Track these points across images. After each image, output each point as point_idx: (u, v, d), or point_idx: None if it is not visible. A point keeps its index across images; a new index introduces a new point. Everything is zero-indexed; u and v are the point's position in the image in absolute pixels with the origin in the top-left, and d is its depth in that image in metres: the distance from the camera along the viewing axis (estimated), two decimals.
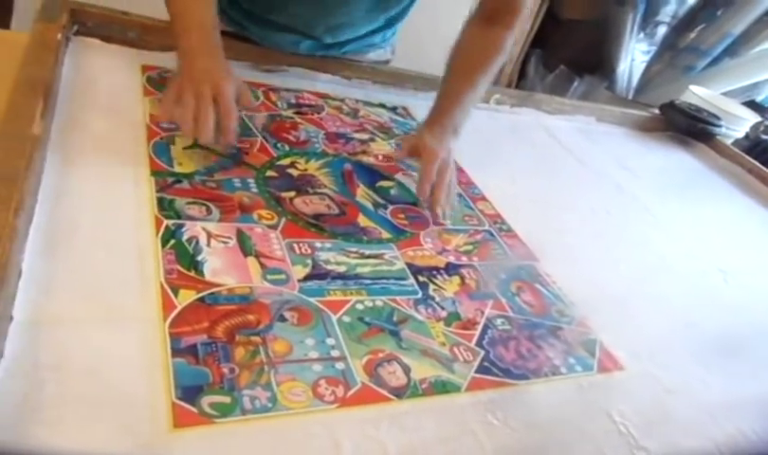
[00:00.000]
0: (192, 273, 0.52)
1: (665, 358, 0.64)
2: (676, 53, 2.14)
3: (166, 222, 0.57)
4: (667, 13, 2.16)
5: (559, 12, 2.24)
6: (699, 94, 1.59)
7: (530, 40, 2.22)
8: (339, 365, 0.49)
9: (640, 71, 2.13)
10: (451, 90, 0.83)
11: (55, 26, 0.77)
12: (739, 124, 1.62)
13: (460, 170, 0.89)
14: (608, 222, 0.93)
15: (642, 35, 2.16)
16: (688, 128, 1.40)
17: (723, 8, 2.07)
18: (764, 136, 1.97)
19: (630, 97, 2.10)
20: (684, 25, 2.13)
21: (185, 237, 0.56)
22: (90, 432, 0.37)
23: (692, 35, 2.11)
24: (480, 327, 0.58)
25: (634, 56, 2.10)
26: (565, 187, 1.00)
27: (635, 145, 1.33)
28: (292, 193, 0.70)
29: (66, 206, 0.54)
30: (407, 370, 0.50)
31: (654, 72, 2.15)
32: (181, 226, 0.58)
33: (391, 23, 1.06)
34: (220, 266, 0.54)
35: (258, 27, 1.00)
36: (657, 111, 1.47)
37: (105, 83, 0.78)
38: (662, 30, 2.17)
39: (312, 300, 0.54)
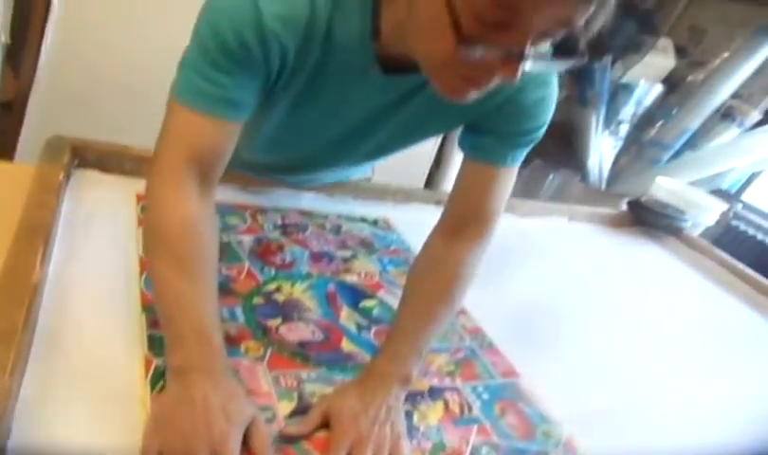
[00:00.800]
0: None
1: None
2: (641, 147, 2.28)
3: (155, 362, 0.59)
4: (627, 113, 2.31)
5: None
6: (665, 186, 1.67)
7: None
8: None
9: (609, 164, 2.25)
10: (406, 327, 0.68)
11: (58, 165, 0.82)
12: (707, 213, 1.69)
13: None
14: (586, 327, 0.96)
15: (607, 133, 2.29)
16: (656, 224, 1.47)
17: (678, 106, 2.23)
18: (734, 223, 2.07)
19: (603, 187, 2.20)
20: (644, 122, 2.28)
21: None
22: None
23: (653, 131, 2.26)
24: None
25: (603, 150, 2.22)
26: (541, 293, 1.03)
27: (607, 242, 1.39)
28: (278, 321, 0.72)
29: (59, 346, 0.56)
30: None
31: (623, 164, 2.27)
32: None
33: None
34: None
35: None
36: (626, 208, 1.54)
37: (102, 215, 0.82)
38: (624, 128, 2.31)
39: (296, 445, 0.55)
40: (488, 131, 0.71)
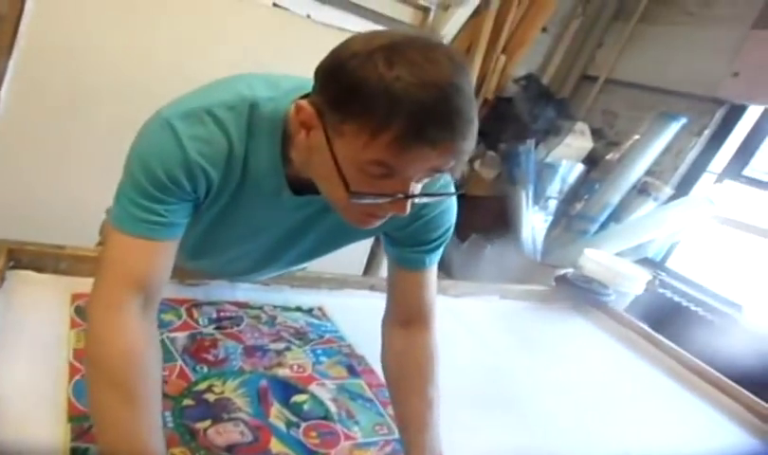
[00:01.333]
0: None
1: None
2: (569, 220, 2.42)
3: None
4: (554, 190, 2.47)
5: (468, 190, 2.50)
6: (593, 258, 1.78)
7: None
8: None
9: (542, 237, 2.38)
10: (415, 417, 0.76)
11: None
12: (633, 282, 1.80)
13: (371, 371, 0.96)
14: (512, 412, 1.00)
15: (537, 208, 2.44)
16: (582, 298, 1.57)
17: (599, 182, 2.41)
18: (660, 290, 2.20)
19: (539, 258, 2.32)
20: (570, 197, 2.45)
21: None
22: None
23: (579, 205, 2.42)
24: None
25: (534, 224, 2.35)
26: (469, 376, 1.07)
27: (537, 318, 1.46)
28: (207, 423, 0.74)
29: None
30: None
31: (554, 236, 2.40)
32: None
33: None
34: None
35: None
36: (554, 284, 1.64)
37: (35, 318, 0.83)
38: (553, 203, 2.46)
39: None
40: (404, 244, 0.81)
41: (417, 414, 0.76)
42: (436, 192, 0.69)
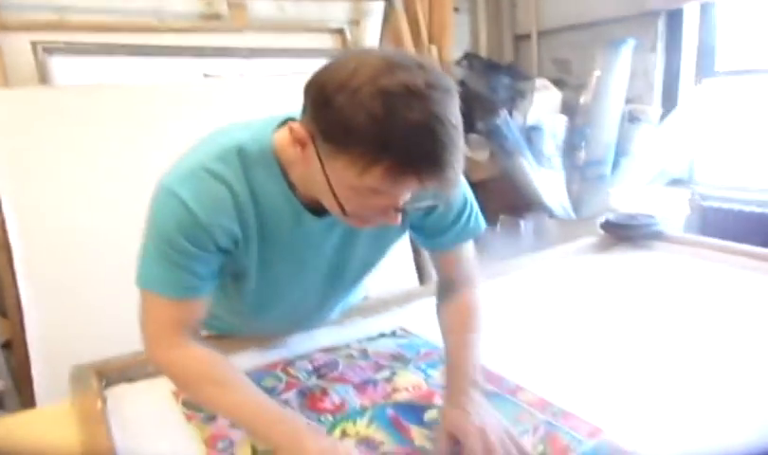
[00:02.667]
0: None
1: None
2: (581, 171, 2.41)
3: None
4: (550, 148, 2.47)
5: (470, 177, 2.50)
6: (623, 196, 1.75)
7: None
8: None
9: (566, 194, 2.36)
10: (459, 364, 0.83)
11: (91, 394, 0.82)
12: (675, 204, 1.78)
13: (488, 372, 0.92)
14: (634, 353, 0.97)
15: (543, 169, 2.42)
16: (634, 236, 1.54)
17: (587, 126, 2.40)
18: (705, 203, 2.18)
19: (575, 216, 2.30)
20: (569, 149, 2.44)
21: None
22: None
23: (581, 154, 2.40)
24: None
25: (551, 186, 2.33)
26: (572, 335, 1.04)
27: (601, 267, 1.42)
28: None
29: None
30: None
31: (576, 191, 2.38)
32: None
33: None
34: None
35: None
36: (601, 230, 1.61)
37: (152, 425, 0.81)
38: (557, 160, 2.45)
39: None
40: (431, 234, 0.89)
41: (461, 363, 0.83)
42: (425, 201, 0.74)
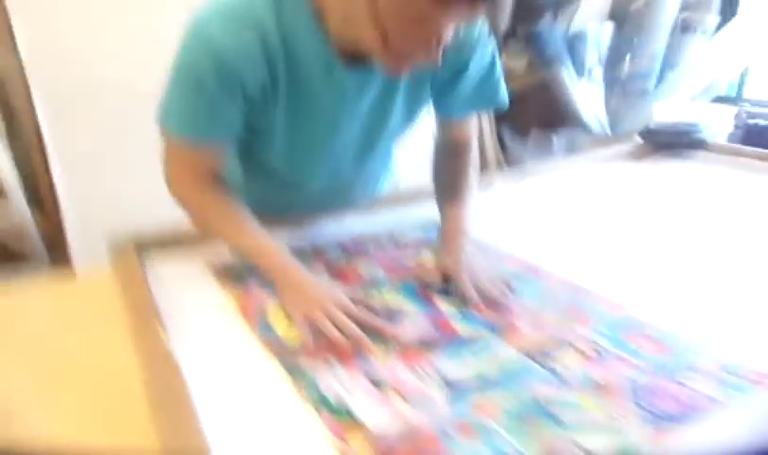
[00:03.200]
0: (350, 420, 0.55)
1: None
2: (623, 85, 2.31)
3: (304, 387, 0.60)
4: (593, 58, 2.35)
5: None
6: (666, 110, 1.69)
7: (493, 120, 2.37)
8: None
9: (603, 109, 2.28)
10: (450, 206, 0.93)
11: (131, 261, 0.86)
12: (719, 120, 1.69)
13: (507, 257, 0.93)
14: (664, 248, 0.96)
15: (584, 81, 2.32)
16: (675, 144, 1.49)
17: (635, 35, 2.26)
18: (751, 121, 2.07)
19: (609, 132, 2.22)
20: (613, 60, 2.32)
21: (326, 393, 0.59)
22: None
23: (626, 66, 2.29)
24: (623, 387, 0.59)
25: (589, 98, 2.25)
26: (607, 232, 1.03)
27: (642, 172, 1.39)
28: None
29: (220, 407, 0.57)
30: (583, 447, 0.51)
31: (615, 105, 2.30)
32: (317, 386, 0.60)
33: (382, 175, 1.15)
34: (368, 407, 0.57)
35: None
36: (639, 139, 1.56)
37: (189, 291, 0.84)
38: (598, 71, 2.34)
39: (465, 413, 0.55)
40: (455, 96, 0.89)
41: (454, 210, 0.92)
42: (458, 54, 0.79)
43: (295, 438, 0.53)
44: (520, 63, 2.41)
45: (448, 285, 0.80)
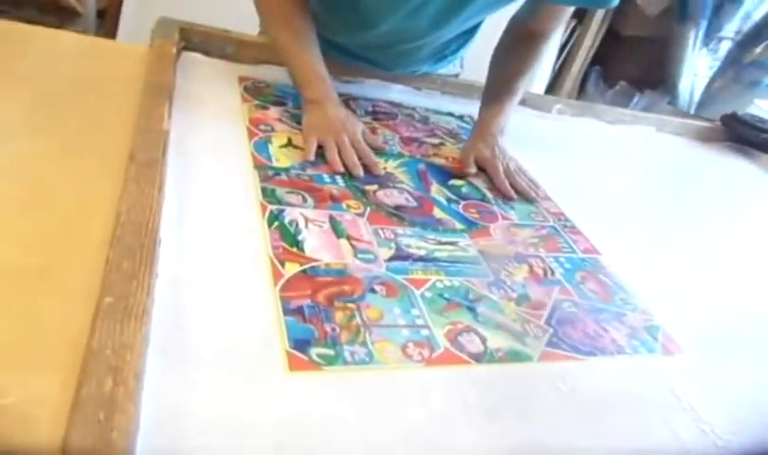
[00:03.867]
0: (295, 249, 0.60)
1: (727, 347, 0.67)
2: (740, 68, 2.12)
3: (270, 207, 0.66)
4: (731, 29, 2.14)
5: (621, 29, 2.25)
6: (766, 107, 1.58)
7: (590, 57, 2.24)
8: (424, 331, 0.55)
9: (702, 86, 2.12)
10: (496, 99, 0.95)
11: (170, 42, 0.88)
12: None
13: (524, 172, 0.95)
14: (669, 224, 0.96)
15: (705, 51, 2.15)
16: (751, 138, 1.40)
17: None
18: None
19: (693, 111, 2.09)
20: (749, 40, 2.11)
21: (286, 220, 0.64)
22: (223, 372, 0.45)
23: (758, 50, 2.08)
24: (548, 308, 0.63)
25: (697, 71, 2.09)
26: (627, 191, 1.03)
27: (697, 154, 1.34)
28: (375, 187, 0.77)
29: (187, 190, 0.63)
30: (483, 340, 0.56)
31: (717, 87, 2.13)
32: (282, 211, 0.66)
33: (459, 47, 1.14)
34: (317, 245, 0.62)
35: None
36: (718, 122, 1.47)
37: (210, 92, 0.89)
38: (725, 46, 2.15)
39: (398, 277, 0.61)
40: None
41: (499, 98, 0.95)
42: None
43: (239, 249, 0.58)
44: (656, 8, 2.21)
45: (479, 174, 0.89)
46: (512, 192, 0.85)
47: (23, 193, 0.55)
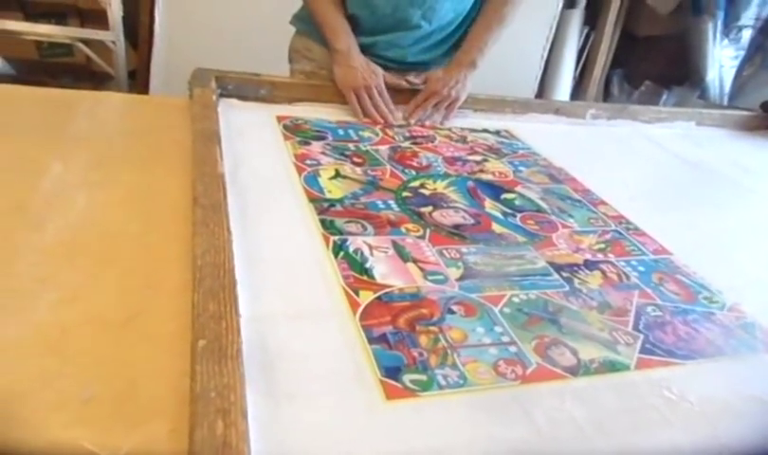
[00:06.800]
0: (365, 277, 0.59)
1: None
2: (767, 54, 2.08)
3: (332, 238, 0.65)
4: (749, 17, 2.11)
5: (636, 30, 2.24)
6: None
7: (609, 61, 2.23)
8: (512, 348, 0.53)
9: (731, 77, 2.08)
10: (474, 36, 1.10)
11: (209, 90, 0.90)
12: None
13: (573, 179, 0.93)
14: (735, 215, 0.93)
15: (726, 41, 2.12)
16: None
17: None
18: None
19: (725, 103, 2.05)
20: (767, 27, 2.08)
21: (351, 249, 0.63)
22: (322, 403, 0.43)
23: None
24: (632, 314, 0.61)
25: (722, 62, 2.05)
26: (681, 187, 1.00)
27: (742, 143, 1.30)
28: (430, 208, 0.76)
29: (250, 227, 0.63)
30: (574, 352, 0.54)
31: (747, 76, 2.09)
32: (345, 240, 0.65)
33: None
34: (387, 271, 0.60)
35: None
36: (759, 110, 1.44)
37: (252, 133, 0.89)
38: (747, 34, 2.12)
39: (473, 295, 0.59)
40: None
41: (477, 35, 1.10)
42: None
43: (311, 282, 0.57)
44: (668, 6, 2.20)
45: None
46: (414, 114, 1.06)
47: (96, 246, 0.55)
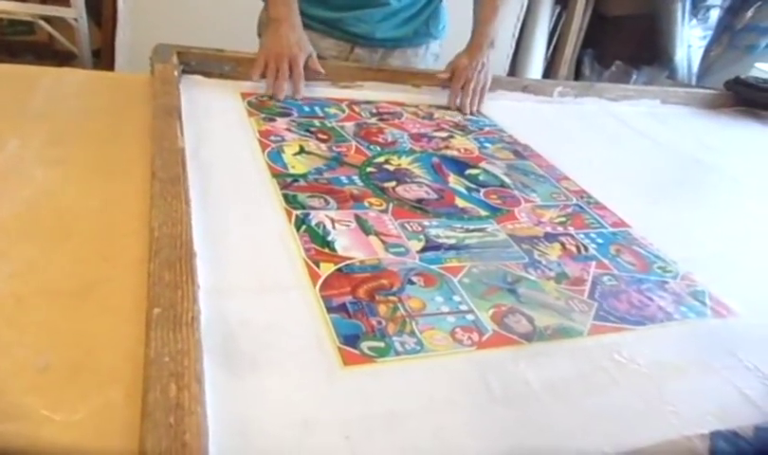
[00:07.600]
0: (327, 250, 0.59)
1: None
2: (734, 34, 2.12)
3: (295, 212, 0.65)
4: None
5: (606, 10, 2.26)
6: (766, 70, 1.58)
7: (580, 41, 2.25)
8: (470, 316, 0.54)
9: (699, 56, 2.12)
10: (485, 17, 1.10)
11: (170, 65, 0.88)
12: None
13: (538, 155, 0.94)
14: (695, 191, 0.95)
15: (694, 21, 2.15)
16: (758, 100, 1.39)
17: None
18: None
19: (693, 83, 2.08)
20: (738, 4, 2.11)
21: (313, 223, 0.64)
22: (281, 373, 0.44)
23: (749, 14, 2.09)
24: (588, 283, 0.62)
25: (690, 42, 2.09)
26: (643, 164, 1.02)
27: (706, 121, 1.33)
28: (393, 183, 0.76)
29: (212, 203, 0.63)
30: (530, 319, 0.55)
31: (714, 56, 2.13)
32: (307, 214, 0.65)
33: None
34: (348, 244, 0.61)
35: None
36: (722, 88, 1.47)
37: (215, 109, 0.88)
38: (715, 13, 2.15)
39: (433, 266, 0.60)
40: None
41: (486, 18, 1.09)
42: None
43: (273, 254, 0.57)
44: None
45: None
46: (456, 103, 1.08)
47: (53, 220, 0.54)
